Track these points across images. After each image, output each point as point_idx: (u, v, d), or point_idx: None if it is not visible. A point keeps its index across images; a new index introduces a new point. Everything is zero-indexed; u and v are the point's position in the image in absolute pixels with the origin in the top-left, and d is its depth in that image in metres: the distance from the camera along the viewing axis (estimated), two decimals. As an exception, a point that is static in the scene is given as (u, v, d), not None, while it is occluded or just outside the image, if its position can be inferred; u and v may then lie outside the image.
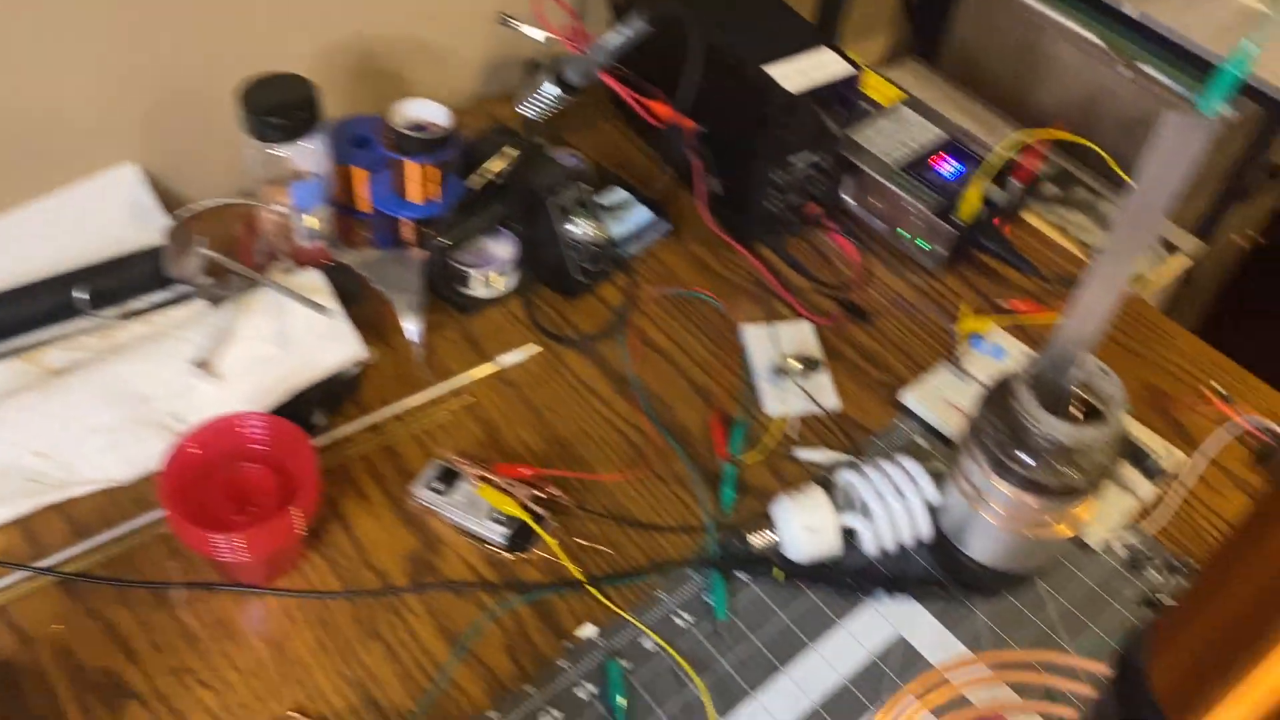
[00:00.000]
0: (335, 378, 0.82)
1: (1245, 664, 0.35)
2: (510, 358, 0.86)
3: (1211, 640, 0.36)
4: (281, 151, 0.83)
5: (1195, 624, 0.37)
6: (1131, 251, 0.60)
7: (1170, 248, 1.26)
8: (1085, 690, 0.63)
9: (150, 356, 0.80)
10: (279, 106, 0.81)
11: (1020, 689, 0.71)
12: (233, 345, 0.81)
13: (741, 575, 0.75)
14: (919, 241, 0.94)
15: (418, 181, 0.87)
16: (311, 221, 0.88)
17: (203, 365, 0.79)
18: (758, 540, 0.75)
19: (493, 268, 0.88)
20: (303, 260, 0.89)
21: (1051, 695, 0.70)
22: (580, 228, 0.87)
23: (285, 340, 0.82)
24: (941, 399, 0.85)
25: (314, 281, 0.85)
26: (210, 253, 0.85)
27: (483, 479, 0.76)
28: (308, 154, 0.84)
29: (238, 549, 0.67)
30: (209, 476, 0.72)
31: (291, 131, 0.81)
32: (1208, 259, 1.56)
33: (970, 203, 0.90)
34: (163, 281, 0.85)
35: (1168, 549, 0.78)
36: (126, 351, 0.80)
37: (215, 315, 0.83)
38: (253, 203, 0.88)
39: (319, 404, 0.81)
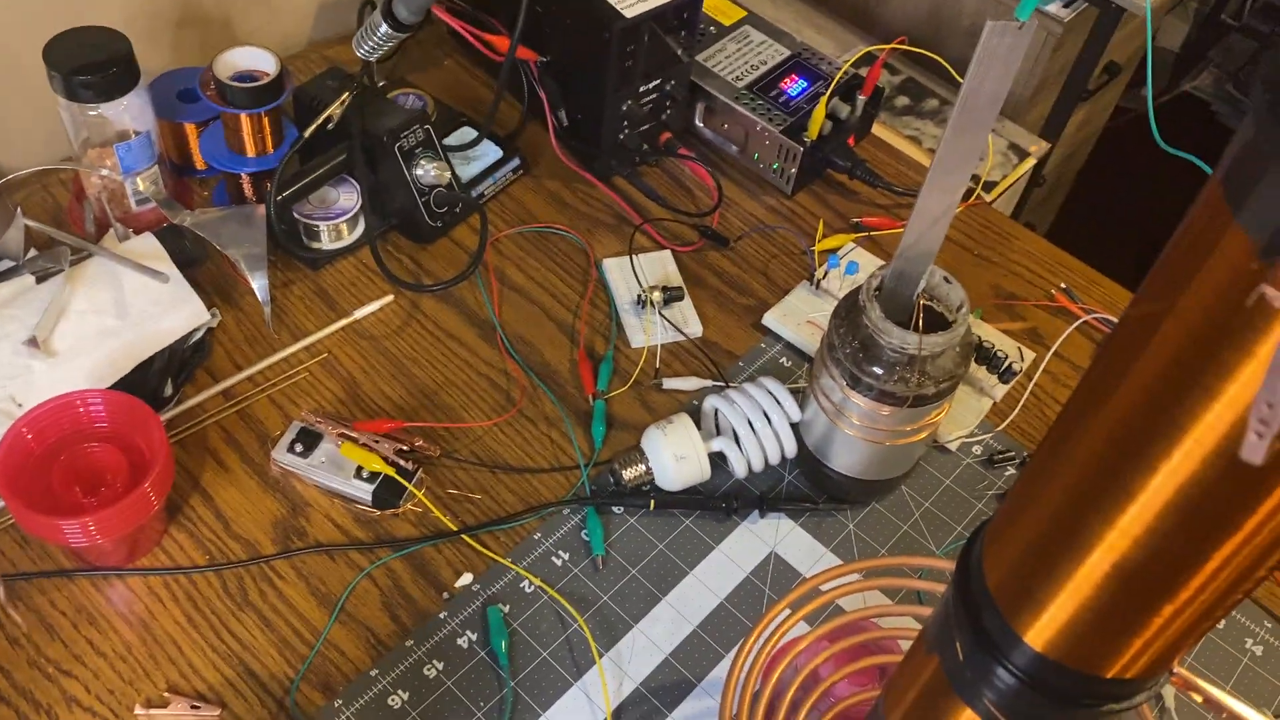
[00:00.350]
0: (182, 345, 0.79)
1: (1065, 558, 0.36)
2: (365, 310, 0.84)
3: (1034, 536, 0.38)
4: (99, 111, 0.78)
5: (1019, 521, 0.39)
6: (964, 158, 0.61)
7: (1020, 152, 1.29)
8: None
9: (-23, 339, 0.75)
10: (90, 64, 0.76)
11: (891, 594, 0.73)
12: (67, 320, 0.77)
13: (617, 509, 0.76)
14: (774, 165, 0.94)
15: (250, 134, 0.83)
16: (141, 183, 0.83)
17: (34, 343, 0.74)
18: (629, 473, 0.75)
19: (339, 218, 0.85)
20: (137, 225, 0.84)
21: (921, 598, 0.73)
22: (427, 170, 0.84)
23: (124, 310, 0.78)
24: (802, 318, 0.86)
25: (149, 247, 0.81)
26: (34, 224, 0.80)
27: (344, 437, 0.74)
28: (128, 112, 0.80)
29: (90, 533, 0.65)
30: (51, 461, 0.68)
31: (106, 90, 0.77)
32: (1056, 160, 1.61)
33: (817, 120, 0.90)
34: (-16, 258, 0.80)
35: (1022, 444, 0.81)
36: (-50, 336, 0.76)
37: (45, 290, 0.78)
38: (75, 167, 0.83)
39: (167, 374, 0.78)
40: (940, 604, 0.46)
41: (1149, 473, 0.32)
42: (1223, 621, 0.73)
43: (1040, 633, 0.39)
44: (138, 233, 0.83)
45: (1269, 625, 0.73)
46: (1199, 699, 0.40)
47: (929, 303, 0.69)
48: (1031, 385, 0.84)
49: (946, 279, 0.68)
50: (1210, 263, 0.28)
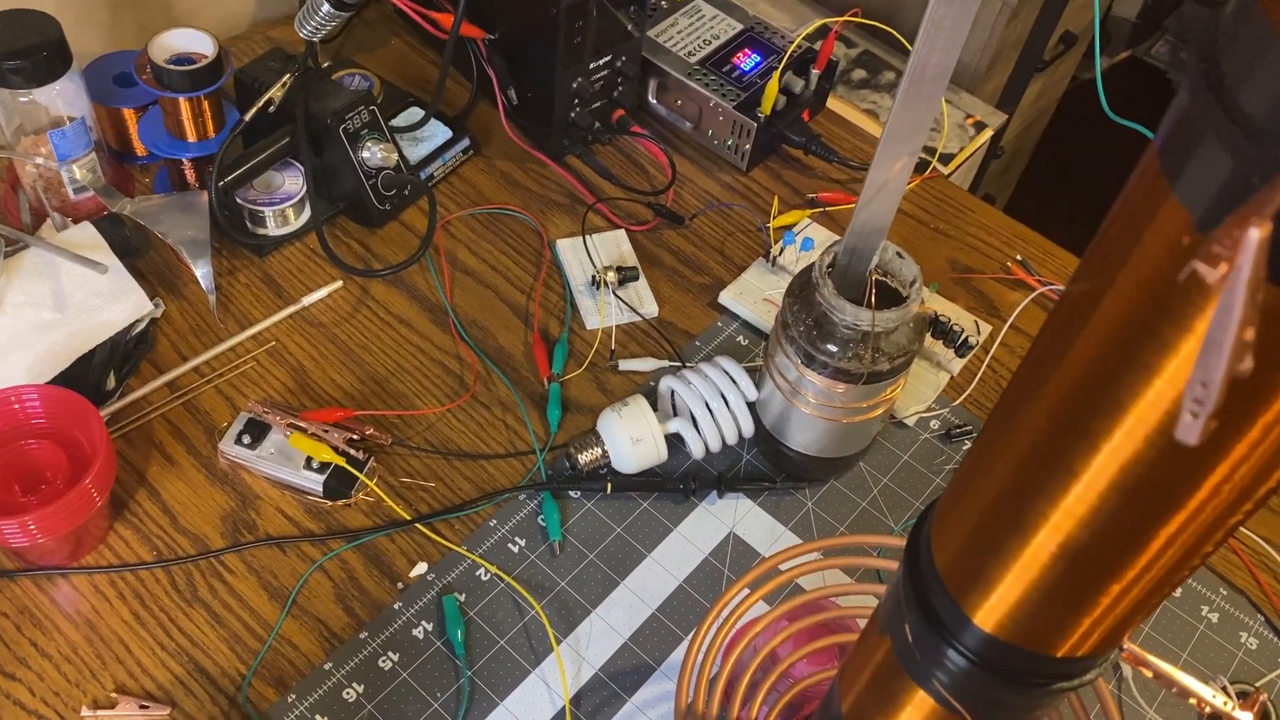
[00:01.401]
0: (124, 337, 0.77)
1: (1011, 538, 0.36)
2: (313, 296, 0.82)
3: (980, 516, 0.37)
4: (30, 97, 0.76)
5: (966, 501, 0.38)
6: (913, 130, 0.60)
7: (978, 125, 1.29)
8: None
9: (-92, 335, 0.73)
10: (19, 48, 0.73)
11: (850, 573, 0.73)
12: (3, 314, 0.75)
13: (573, 494, 0.75)
14: (728, 142, 0.93)
15: (189, 118, 0.81)
16: (78, 171, 0.81)
17: (-32, 339, 0.72)
18: (585, 457, 0.74)
19: (284, 203, 0.83)
20: (75, 214, 0.82)
21: (880, 576, 0.73)
22: (374, 152, 0.83)
23: (62, 303, 0.76)
24: (759, 296, 0.85)
25: (88, 236, 0.79)
26: (-34, 215, 0.77)
27: (293, 427, 0.73)
28: (61, 97, 0.77)
29: (31, 532, 0.63)
30: (-12, 459, 0.66)
31: (37, 75, 0.74)
32: (1015, 131, 1.61)
33: (770, 95, 0.89)
34: (-85, 251, 0.78)
35: (979, 418, 0.81)
36: (-120, 333, 0.73)
37: (-21, 283, 0.76)
38: (8, 155, 0.80)
39: (110, 367, 0.76)
40: (891, 585, 0.46)
41: (1091, 452, 0.31)
42: (1178, 589, 0.74)
43: (989, 613, 0.38)
44: (76, 222, 0.80)
45: (1224, 592, 0.74)
46: (1149, 674, 0.40)
47: (882, 278, 0.68)
48: (988, 359, 0.84)
49: (899, 254, 0.67)
50: (1148, 236, 0.27)
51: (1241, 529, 0.76)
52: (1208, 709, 0.40)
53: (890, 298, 0.68)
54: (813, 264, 0.67)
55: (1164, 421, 0.29)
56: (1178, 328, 0.26)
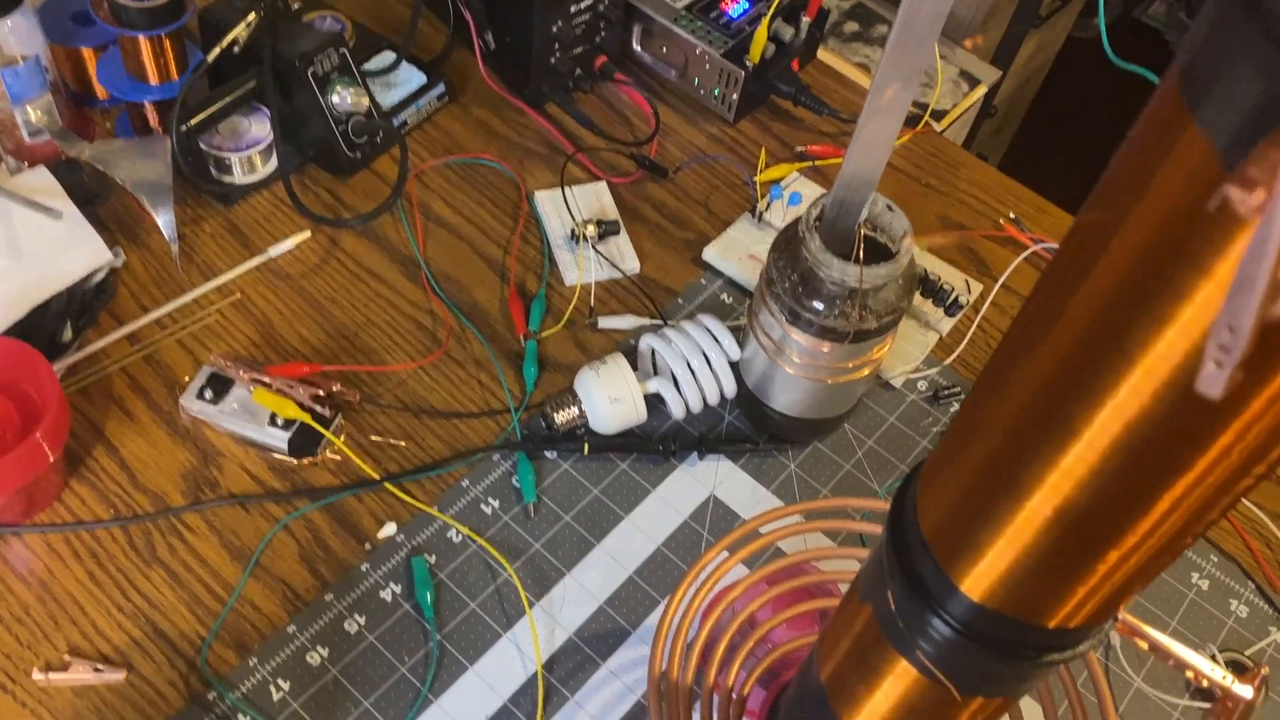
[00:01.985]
0: (82, 287, 0.74)
1: (1003, 502, 0.33)
2: (280, 247, 0.79)
3: (970, 479, 0.35)
4: (-20, 33, 0.72)
5: (955, 464, 0.36)
6: (905, 80, 0.57)
7: (971, 80, 1.26)
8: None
9: None
10: (-34, -21, 0.70)
11: (832, 536, 0.71)
12: (-48, 261, 0.71)
13: (549, 454, 0.73)
14: (715, 91, 0.90)
15: (150, 58, 0.77)
16: (33, 113, 0.77)
17: (-85, 287, 0.69)
18: (562, 416, 0.72)
19: (250, 149, 0.80)
20: (30, 158, 0.78)
21: (864, 540, 0.71)
22: (344, 97, 0.79)
23: (15, 250, 0.73)
24: (744, 252, 0.83)
25: (43, 181, 0.75)
26: (-86, 157, 0.74)
27: (256, 382, 0.70)
28: (13, 35, 0.73)
29: (-22, 488, 0.60)
30: (-66, 412, 0.63)
31: (-15, 8, 0.70)
32: (1009, 90, 1.57)
33: (759, 43, 0.86)
34: None
35: (968, 379, 0.79)
36: None
37: (-73, 229, 0.72)
38: (-41, 96, 0.76)
39: (66, 317, 0.73)
40: (873, 550, 0.43)
41: (1094, 408, 0.29)
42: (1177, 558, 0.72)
43: (978, 581, 0.36)
44: (31, 166, 0.77)
45: (1215, 559, 0.72)
46: (1144, 645, 0.38)
47: (871, 233, 0.65)
48: (979, 318, 0.82)
49: (890, 207, 0.64)
50: (1165, 170, 0.24)
51: (1234, 495, 0.74)
52: (1204, 682, 0.38)
53: (879, 253, 0.65)
54: (799, 217, 0.64)
55: (1175, 375, 0.26)
56: (1195, 270, 0.24)
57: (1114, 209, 0.27)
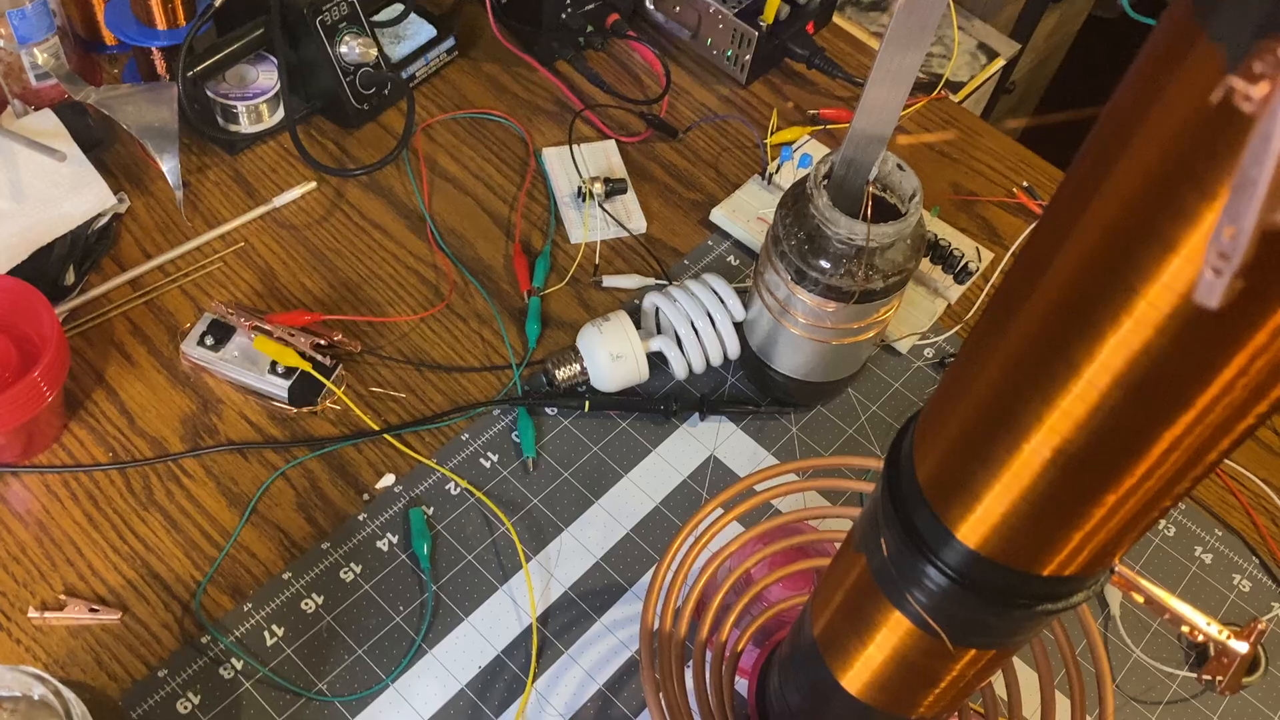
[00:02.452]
0: (85, 231, 0.74)
1: (1001, 445, 0.33)
2: (285, 197, 0.78)
3: (968, 423, 0.34)
4: (-14, -28, 0.72)
5: (952, 408, 0.35)
6: (918, 32, 0.56)
7: (989, 52, 1.24)
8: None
9: None
10: (-27, -84, 0.69)
11: (833, 497, 0.70)
12: (-44, 201, 0.71)
13: (550, 411, 0.72)
14: (727, 52, 0.89)
15: (158, 4, 0.77)
16: (40, 56, 0.77)
17: (-82, 225, 0.69)
18: (563, 373, 0.71)
19: (257, 99, 0.79)
20: (36, 101, 0.78)
21: (863, 501, 0.70)
22: (352, 48, 0.78)
23: (19, 192, 0.72)
24: (753, 215, 0.82)
25: (48, 124, 0.75)
26: (-80, 97, 0.73)
27: (257, 329, 0.70)
28: (20, -26, 0.73)
29: (-24, 426, 0.60)
30: (-66, 349, 0.63)
31: (-8, -54, 0.70)
32: (1027, 66, 1.55)
33: (774, 3, 0.85)
34: None
35: (976, 349, 0.78)
36: None
37: (-68, 169, 0.72)
38: (-35, 36, 0.76)
39: (69, 261, 0.73)
40: (869, 502, 0.43)
41: (1095, 343, 0.28)
42: (1172, 528, 0.71)
43: (974, 528, 0.36)
44: (37, 109, 0.77)
45: (1219, 533, 0.71)
46: (1140, 599, 0.38)
47: (880, 193, 0.64)
48: (988, 287, 0.81)
49: (900, 165, 0.63)
50: (1174, 87, 0.24)
51: (1241, 470, 0.73)
52: (1200, 636, 0.37)
53: (887, 214, 0.64)
54: (807, 174, 0.63)
55: (1178, 306, 0.25)
56: (1201, 192, 0.23)
57: (1120, 132, 0.26)
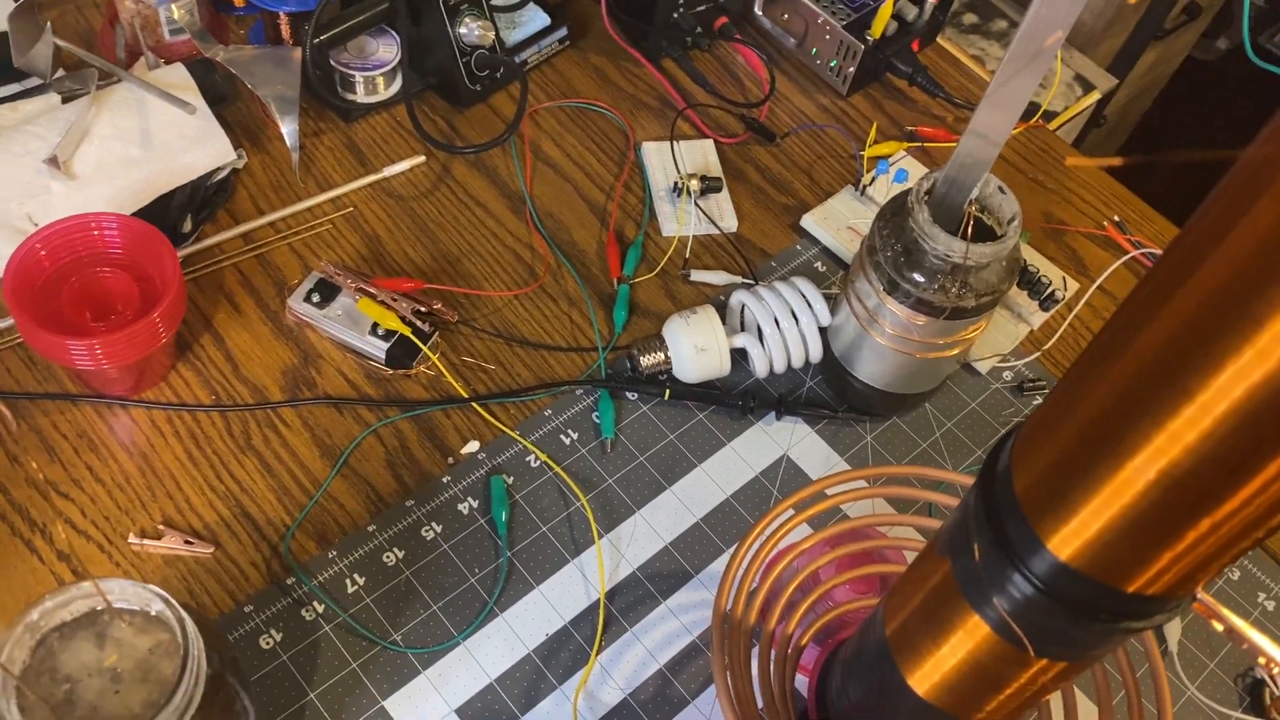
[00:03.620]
0: (205, 182, 0.77)
1: (1105, 463, 0.34)
2: (395, 168, 0.81)
3: (1073, 439, 0.36)
4: (137, -71, 0.75)
5: (1058, 423, 0.37)
6: (1031, 66, 0.57)
7: (1086, 85, 1.24)
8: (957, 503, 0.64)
9: (-3, 153, 0.73)
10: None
11: (898, 503, 0.72)
12: (89, 144, 0.75)
13: (630, 395, 0.74)
14: (831, 63, 0.90)
15: (293, -30, 0.80)
16: (176, 12, 0.80)
17: (55, 163, 0.72)
18: (648, 360, 0.73)
19: (376, 70, 0.82)
20: (168, 55, 0.82)
21: (932, 511, 0.71)
22: (472, 29, 0.81)
23: (148, 140, 0.76)
24: (843, 224, 0.83)
25: (179, 77, 0.79)
26: (63, 43, 0.77)
27: (362, 292, 0.72)
28: (168, -67, 0.76)
29: (97, 357, 0.63)
30: (63, 282, 0.67)
31: (146, -95, 0.73)
32: (1120, 102, 1.55)
33: (883, 19, 0.86)
34: (11, 73, 0.78)
35: (1054, 375, 0.79)
36: (-30, 147, 0.74)
37: (69, 111, 0.76)
38: (109, -12, 0.80)
39: (188, 210, 0.76)
40: (959, 507, 0.44)
41: (1214, 372, 0.29)
42: (1237, 572, 0.72)
43: (1066, 540, 0.37)
44: (168, 63, 0.80)
45: (1284, 582, 0.71)
46: (1220, 627, 0.39)
47: (979, 215, 0.66)
48: (1071, 316, 0.81)
49: (1001, 189, 0.65)
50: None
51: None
52: (1276, 670, 0.38)
53: (983, 235, 0.65)
54: (909, 189, 0.65)
55: (1304, 341, 0.27)
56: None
57: (1264, 174, 0.27)
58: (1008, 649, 0.42)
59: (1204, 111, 1.83)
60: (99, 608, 0.45)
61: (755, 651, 0.59)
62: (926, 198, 0.64)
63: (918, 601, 0.47)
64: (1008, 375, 0.79)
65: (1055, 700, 0.59)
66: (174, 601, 0.45)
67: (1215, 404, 0.30)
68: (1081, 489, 0.35)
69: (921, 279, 0.64)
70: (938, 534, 0.46)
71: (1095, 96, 1.23)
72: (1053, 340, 0.80)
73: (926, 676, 0.48)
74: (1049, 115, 1.19)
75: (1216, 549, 0.34)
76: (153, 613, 0.46)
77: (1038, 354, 0.79)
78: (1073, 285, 0.82)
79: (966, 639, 0.44)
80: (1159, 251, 0.85)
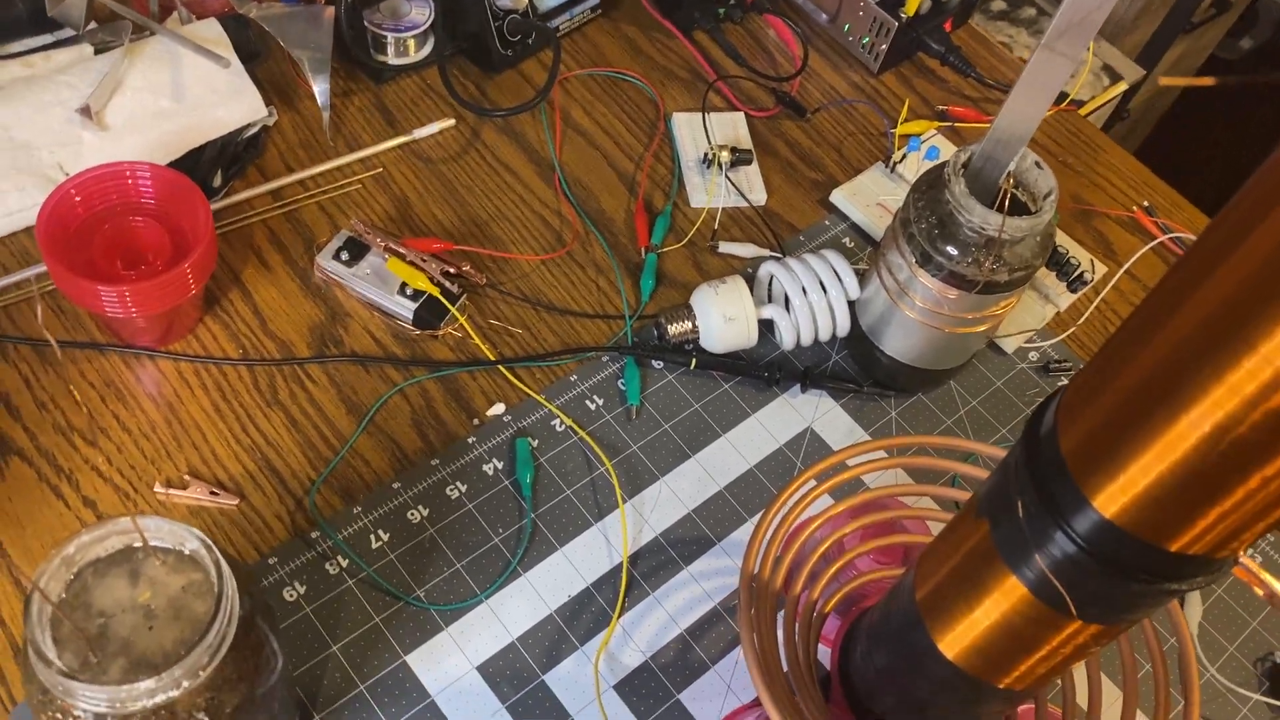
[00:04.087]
0: (235, 138, 0.77)
1: (1158, 417, 0.34)
2: (425, 130, 0.81)
3: (1126, 394, 0.36)
4: (175, -119, 0.75)
5: (1110, 378, 0.36)
6: (1073, 42, 0.57)
7: (1113, 75, 1.24)
8: (984, 475, 0.64)
9: (31, 102, 0.73)
10: None
11: (919, 474, 0.72)
12: (122, 96, 0.75)
13: (656, 364, 0.74)
14: (864, 39, 0.90)
15: (329, -72, 0.80)
16: (211, -33, 0.80)
17: (88, 113, 0.72)
18: (675, 328, 0.73)
19: (408, 32, 0.82)
20: (201, 10, 0.81)
21: (955, 482, 0.71)
22: (506, -7, 0.81)
23: (180, 94, 0.76)
24: (872, 200, 0.83)
25: (213, 32, 0.78)
26: (97, -6, 0.77)
27: (391, 251, 0.72)
28: (205, -113, 0.76)
29: (127, 305, 0.63)
30: (95, 229, 0.67)
31: None
32: (1144, 96, 1.54)
33: (918, -4, 0.86)
34: (45, 23, 0.78)
35: (1080, 357, 0.79)
36: (5, 95, 0.73)
37: (102, 62, 0.76)
38: (144, -59, 0.79)
39: (218, 164, 0.76)
40: (997, 470, 0.44)
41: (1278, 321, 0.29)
42: (1267, 554, 0.72)
43: (1112, 497, 0.37)
44: (201, 18, 0.80)
45: (1306, 569, 0.71)
46: (1260, 592, 0.39)
47: (1014, 190, 0.65)
48: (1098, 299, 0.81)
49: (1038, 164, 0.64)
50: None
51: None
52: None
53: (1017, 211, 0.65)
54: (945, 162, 0.65)
55: (1376, 288, 0.27)
56: None
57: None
58: (1043, 611, 0.42)
59: (1228, 110, 1.82)
60: (135, 544, 0.45)
61: (779, 618, 0.59)
62: (963, 170, 0.64)
63: (953, 564, 0.47)
64: (1033, 356, 0.78)
65: (1080, 680, 0.59)
66: (209, 541, 0.45)
67: (1278, 355, 0.30)
68: (1131, 445, 0.35)
69: (955, 252, 0.64)
70: (973, 498, 0.46)
71: (1122, 87, 1.22)
72: (1079, 322, 0.80)
73: (957, 640, 0.48)
74: (1075, 104, 1.19)
75: (1264, 505, 0.34)
76: (187, 552, 0.46)
77: (1064, 336, 0.79)
78: (1100, 269, 0.82)
79: (1001, 600, 0.44)
80: (1191, 237, 0.85)
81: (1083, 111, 1.19)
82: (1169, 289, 0.34)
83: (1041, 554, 0.40)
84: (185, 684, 0.43)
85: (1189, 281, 0.33)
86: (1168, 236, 0.85)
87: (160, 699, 0.42)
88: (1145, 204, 0.87)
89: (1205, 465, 0.34)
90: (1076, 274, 0.79)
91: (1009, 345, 0.78)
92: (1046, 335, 0.79)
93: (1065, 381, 0.77)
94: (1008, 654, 0.46)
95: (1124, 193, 0.89)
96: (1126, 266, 0.83)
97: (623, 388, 0.73)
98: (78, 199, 0.65)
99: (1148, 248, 0.84)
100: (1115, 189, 0.89)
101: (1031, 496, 0.40)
